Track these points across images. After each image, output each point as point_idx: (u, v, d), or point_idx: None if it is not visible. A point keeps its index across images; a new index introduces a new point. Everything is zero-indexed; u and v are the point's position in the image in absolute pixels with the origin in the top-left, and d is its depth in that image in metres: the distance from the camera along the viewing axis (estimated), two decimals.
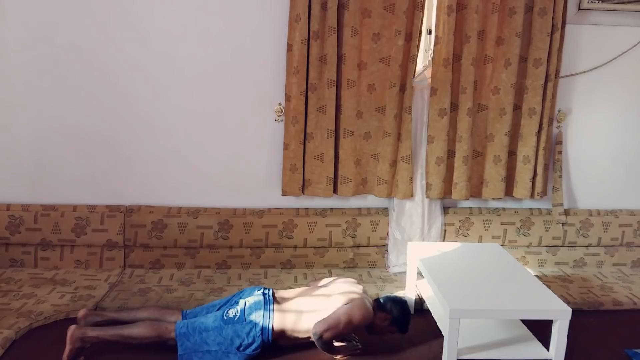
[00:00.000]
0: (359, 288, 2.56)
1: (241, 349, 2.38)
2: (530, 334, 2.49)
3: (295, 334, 2.45)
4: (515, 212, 3.48)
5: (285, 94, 3.18)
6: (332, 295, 2.49)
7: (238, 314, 2.41)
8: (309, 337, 2.43)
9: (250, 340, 2.38)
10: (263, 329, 2.39)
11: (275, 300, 2.49)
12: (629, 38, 3.37)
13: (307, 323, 2.42)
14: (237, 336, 2.37)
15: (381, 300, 2.56)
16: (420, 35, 3.15)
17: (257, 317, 2.40)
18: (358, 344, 2.58)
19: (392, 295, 2.62)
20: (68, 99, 3.19)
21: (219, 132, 3.29)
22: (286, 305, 2.48)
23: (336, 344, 2.54)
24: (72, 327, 2.38)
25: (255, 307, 2.43)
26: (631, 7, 3.27)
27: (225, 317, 2.41)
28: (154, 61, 3.17)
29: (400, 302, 2.56)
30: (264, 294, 2.49)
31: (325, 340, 2.38)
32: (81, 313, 2.52)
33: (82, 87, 3.18)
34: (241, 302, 2.46)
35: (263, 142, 3.32)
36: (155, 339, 2.40)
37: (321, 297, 2.51)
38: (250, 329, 2.38)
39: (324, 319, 2.37)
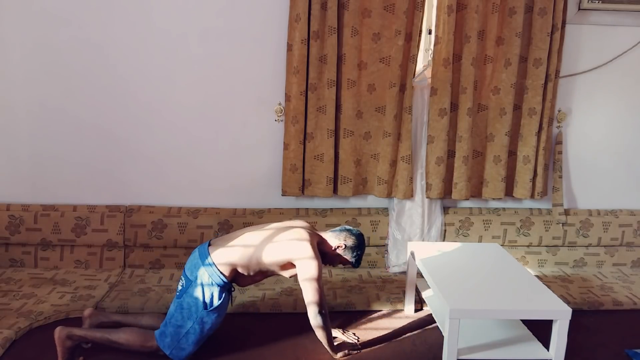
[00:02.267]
0: (301, 232, 2.47)
1: (208, 307, 2.37)
2: (530, 334, 2.49)
3: (250, 272, 2.44)
4: (515, 212, 3.48)
5: (285, 94, 3.18)
6: (275, 247, 2.43)
7: (184, 282, 2.41)
8: (267, 273, 2.48)
9: (210, 295, 2.36)
10: (211, 277, 2.36)
11: (211, 250, 2.44)
12: (629, 38, 3.37)
13: (256, 262, 2.42)
14: (196, 299, 2.37)
15: (337, 230, 2.57)
16: (420, 35, 3.16)
17: (202, 273, 2.38)
18: (358, 344, 2.58)
19: (349, 227, 2.59)
20: (68, 99, 3.19)
21: (219, 132, 3.29)
22: (228, 255, 2.42)
23: (335, 342, 2.54)
24: (58, 328, 2.37)
25: (195, 267, 2.41)
26: (631, 7, 3.27)
27: (177, 294, 2.42)
28: (154, 61, 3.17)
29: (356, 234, 2.55)
30: (199, 252, 2.46)
31: (324, 310, 2.39)
32: (86, 312, 2.53)
33: (82, 87, 3.18)
34: (183, 274, 2.46)
35: (263, 142, 3.32)
36: (140, 348, 2.38)
37: (265, 248, 2.44)
38: (202, 286, 2.37)
39: (306, 299, 2.37)
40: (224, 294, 2.40)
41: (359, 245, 2.55)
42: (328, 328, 2.44)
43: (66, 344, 2.35)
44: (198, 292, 2.37)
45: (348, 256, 2.54)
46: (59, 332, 2.35)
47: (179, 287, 2.44)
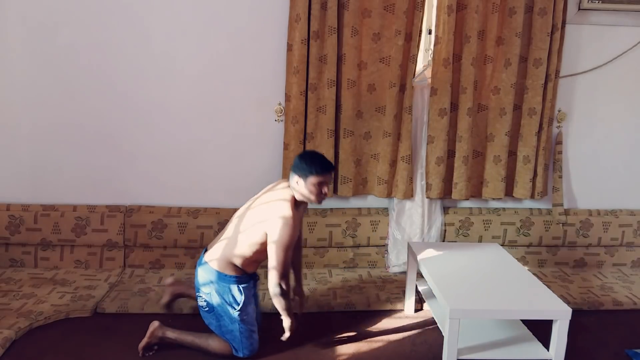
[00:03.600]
0: (282, 197, 2.41)
1: (237, 307, 2.42)
2: (530, 334, 2.49)
3: (248, 259, 2.45)
4: (515, 212, 3.48)
5: (285, 94, 3.18)
6: (250, 228, 2.42)
7: (204, 298, 2.47)
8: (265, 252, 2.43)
9: (230, 296, 2.42)
10: (224, 284, 2.42)
11: (208, 258, 2.48)
12: (629, 38, 3.37)
13: (246, 252, 2.44)
14: (223, 307, 2.43)
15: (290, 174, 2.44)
16: (420, 35, 3.16)
17: (213, 287, 2.43)
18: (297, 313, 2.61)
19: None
20: (68, 99, 3.19)
21: (219, 132, 3.29)
22: (225, 258, 2.45)
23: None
24: (156, 323, 2.49)
25: (206, 281, 2.46)
26: (631, 7, 3.27)
27: (207, 309, 2.48)
28: (154, 61, 3.17)
29: (297, 156, 2.42)
30: (201, 267, 2.50)
31: (283, 284, 2.36)
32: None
33: (82, 87, 3.18)
34: (200, 294, 2.50)
35: (263, 142, 3.32)
36: (228, 354, 2.48)
37: (244, 233, 2.44)
38: (220, 295, 2.43)
39: (269, 263, 2.34)
40: (242, 286, 2.44)
41: (304, 157, 2.39)
42: (286, 298, 2.41)
43: (153, 340, 2.48)
44: (221, 300, 2.43)
45: (309, 181, 2.35)
46: (155, 328, 2.47)
47: (203, 304, 2.48)
